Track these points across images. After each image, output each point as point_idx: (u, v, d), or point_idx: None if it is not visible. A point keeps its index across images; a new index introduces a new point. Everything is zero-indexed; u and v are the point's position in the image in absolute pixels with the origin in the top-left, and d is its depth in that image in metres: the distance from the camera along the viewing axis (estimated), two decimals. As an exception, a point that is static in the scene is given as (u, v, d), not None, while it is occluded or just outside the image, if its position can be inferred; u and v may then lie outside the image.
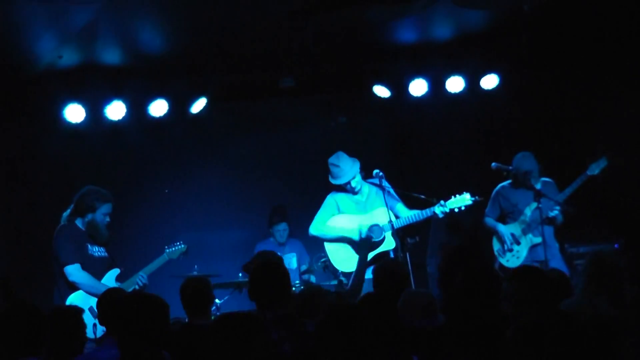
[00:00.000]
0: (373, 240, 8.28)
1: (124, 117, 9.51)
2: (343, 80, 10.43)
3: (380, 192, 8.29)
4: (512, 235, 8.63)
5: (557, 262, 8.41)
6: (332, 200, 8.56)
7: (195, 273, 8.69)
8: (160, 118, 9.72)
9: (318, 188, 9.78)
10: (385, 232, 8.24)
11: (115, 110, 9.44)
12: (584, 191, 8.70)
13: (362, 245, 8.27)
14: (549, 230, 8.57)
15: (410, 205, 8.47)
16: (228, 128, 10.76)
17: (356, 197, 8.50)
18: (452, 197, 8.31)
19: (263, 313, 5.04)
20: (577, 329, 3.62)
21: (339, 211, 8.51)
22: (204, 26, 8.53)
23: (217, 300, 8.32)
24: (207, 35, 8.80)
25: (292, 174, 10.85)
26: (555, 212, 8.43)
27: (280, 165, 10.90)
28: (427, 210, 8.27)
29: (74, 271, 7.57)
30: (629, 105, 10.04)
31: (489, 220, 8.83)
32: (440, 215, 8.22)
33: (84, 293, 7.56)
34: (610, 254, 5.65)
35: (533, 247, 8.55)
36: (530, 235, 8.56)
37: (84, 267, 7.62)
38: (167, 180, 10.59)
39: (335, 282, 8.87)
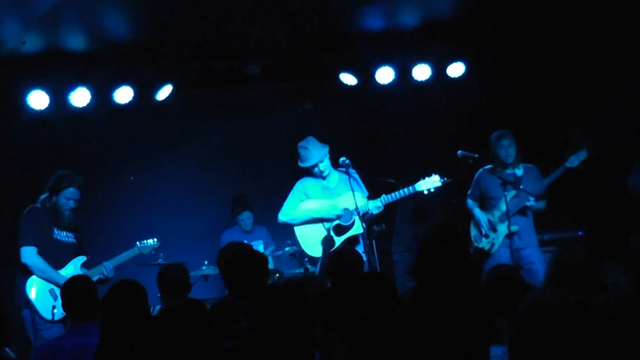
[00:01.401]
0: (342, 223, 8.29)
1: (88, 104, 9.38)
2: (310, 68, 10.38)
3: (347, 179, 8.29)
4: (489, 221, 8.64)
5: (532, 251, 8.44)
6: (301, 186, 8.57)
7: (160, 261, 8.68)
8: (125, 105, 9.60)
9: (285, 175, 9.81)
10: (354, 216, 8.24)
11: (80, 97, 9.32)
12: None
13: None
14: (526, 219, 8.60)
15: (378, 190, 8.48)
16: (194, 115, 10.71)
17: (324, 183, 8.50)
18: (421, 179, 8.33)
19: (234, 301, 5.04)
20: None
21: (307, 197, 8.51)
22: (170, 12, 8.44)
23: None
24: (173, 22, 8.72)
25: (258, 161, 10.87)
26: (530, 203, 8.42)
27: (246, 152, 10.90)
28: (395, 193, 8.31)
29: (27, 253, 7.50)
30: (596, 94, 10.11)
31: (470, 203, 8.86)
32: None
33: None
34: (576, 248, 5.67)
35: (509, 235, 8.49)
36: (507, 223, 8.48)
37: (47, 251, 7.56)
38: (132, 168, 10.53)
39: (301, 270, 8.88)
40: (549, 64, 10.25)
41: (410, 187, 8.30)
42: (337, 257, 6.25)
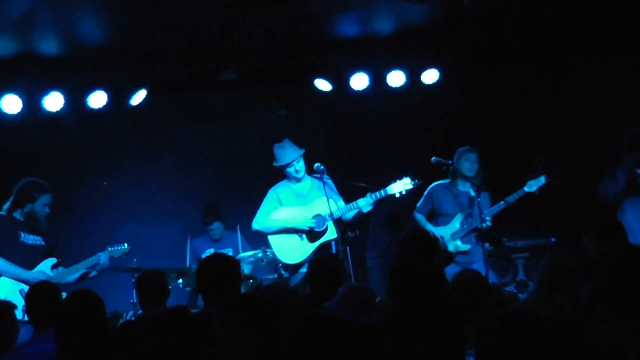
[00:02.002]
0: (315, 230, 8.30)
1: (62, 109, 9.33)
2: (284, 73, 10.38)
3: (322, 185, 8.31)
4: (442, 238, 8.64)
5: (479, 265, 8.42)
6: (274, 194, 8.56)
7: (133, 266, 8.64)
8: (99, 110, 9.56)
9: (259, 180, 9.79)
10: (327, 222, 8.25)
11: (53, 102, 9.26)
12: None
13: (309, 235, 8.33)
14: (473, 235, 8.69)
15: (351, 196, 8.51)
16: (168, 120, 10.68)
17: (297, 189, 8.51)
18: (392, 182, 8.37)
19: (209, 307, 5.03)
20: (536, 327, 3.65)
21: (281, 204, 8.50)
22: (144, 17, 8.44)
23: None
24: (148, 27, 8.71)
25: (232, 166, 10.84)
26: (486, 224, 8.44)
27: (220, 157, 10.87)
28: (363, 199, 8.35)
29: None
30: (570, 102, 10.21)
31: (420, 217, 8.86)
32: (372, 199, 8.29)
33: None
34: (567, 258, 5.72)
35: (459, 253, 8.62)
36: (458, 242, 8.61)
37: (13, 255, 7.54)
38: (106, 173, 10.48)
39: (275, 276, 8.88)
40: (522, 72, 10.33)
41: (382, 191, 8.34)
42: (318, 264, 6.26)
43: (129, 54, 9.34)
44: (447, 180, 8.80)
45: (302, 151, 8.44)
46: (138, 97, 9.76)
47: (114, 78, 9.56)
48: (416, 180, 8.42)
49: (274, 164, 8.50)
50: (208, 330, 4.75)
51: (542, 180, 8.70)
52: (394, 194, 8.38)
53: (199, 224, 10.09)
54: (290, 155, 8.41)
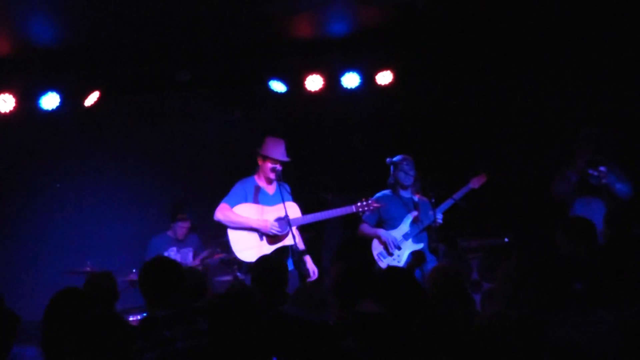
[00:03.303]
0: (277, 233, 8.28)
1: (13, 110, 9.27)
2: (239, 75, 10.40)
3: (283, 189, 8.35)
4: (394, 240, 8.76)
5: (432, 266, 8.60)
6: (241, 187, 8.46)
7: (87, 269, 8.62)
8: (52, 111, 9.50)
9: (215, 180, 9.80)
10: (289, 226, 8.20)
11: (5, 104, 9.20)
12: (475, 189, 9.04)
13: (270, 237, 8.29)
14: (426, 236, 8.84)
15: (308, 202, 8.56)
16: (123, 121, 10.64)
17: (264, 189, 8.47)
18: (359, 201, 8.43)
19: (154, 311, 5.00)
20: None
21: (246, 200, 8.41)
22: (98, 18, 8.37)
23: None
24: (101, 27, 8.65)
25: (187, 167, 10.84)
26: (439, 221, 8.60)
27: (175, 158, 10.87)
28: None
29: None
30: (521, 103, 10.34)
31: (367, 227, 8.91)
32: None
33: None
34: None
35: (413, 253, 8.76)
36: (411, 241, 8.77)
37: None
38: (60, 175, 10.43)
39: (228, 278, 8.88)
40: (473, 73, 10.46)
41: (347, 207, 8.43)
42: (262, 266, 6.28)
43: (82, 55, 9.29)
44: (389, 190, 8.93)
45: (287, 159, 8.40)
46: (91, 99, 9.71)
47: (67, 79, 9.50)
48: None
49: (258, 149, 8.40)
50: (153, 336, 4.75)
51: (482, 178, 9.03)
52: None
53: (156, 224, 10.03)
54: (279, 153, 8.37)
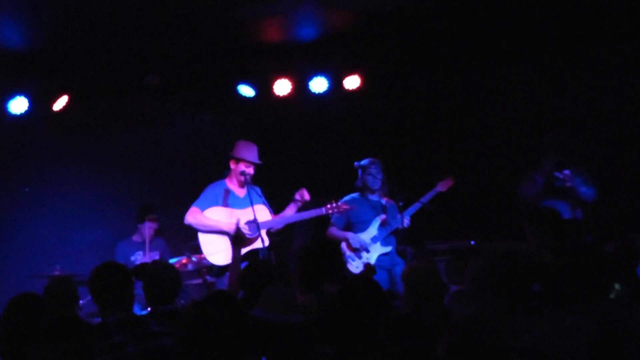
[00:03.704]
0: (247, 236, 8.30)
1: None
2: (208, 79, 10.40)
3: (254, 192, 8.38)
4: (362, 243, 8.88)
5: (400, 268, 8.68)
6: (212, 191, 8.51)
7: (57, 272, 8.60)
8: (20, 115, 9.47)
9: (184, 185, 9.81)
10: (260, 229, 8.22)
11: (-27, 108, 9.19)
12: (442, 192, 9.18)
13: (237, 240, 8.28)
14: (396, 239, 8.99)
15: (279, 203, 8.60)
16: (92, 126, 10.60)
17: (235, 192, 8.51)
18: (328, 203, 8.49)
19: (105, 316, 4.99)
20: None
21: (217, 203, 8.45)
22: (66, 21, 8.36)
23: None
24: (70, 31, 8.64)
25: (157, 171, 10.81)
26: (406, 224, 8.75)
27: (145, 162, 10.82)
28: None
29: None
30: (488, 107, 10.45)
31: (336, 230, 9.00)
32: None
33: None
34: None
35: (381, 255, 8.90)
36: (379, 244, 8.90)
37: None
38: (29, 179, 10.39)
39: (199, 282, 8.89)
40: (441, 77, 10.56)
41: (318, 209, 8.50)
42: (250, 269, 6.32)
43: (51, 59, 9.28)
44: (357, 193, 9.04)
45: (260, 162, 8.47)
46: (60, 103, 9.69)
47: (35, 83, 9.47)
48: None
49: (231, 152, 8.48)
50: (104, 341, 4.78)
51: (449, 181, 9.24)
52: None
53: (125, 228, 10.02)
54: (252, 156, 8.45)
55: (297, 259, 5.88)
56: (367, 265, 8.56)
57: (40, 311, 4.86)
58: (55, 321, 4.24)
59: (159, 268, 6.01)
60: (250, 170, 8.44)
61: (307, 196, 8.43)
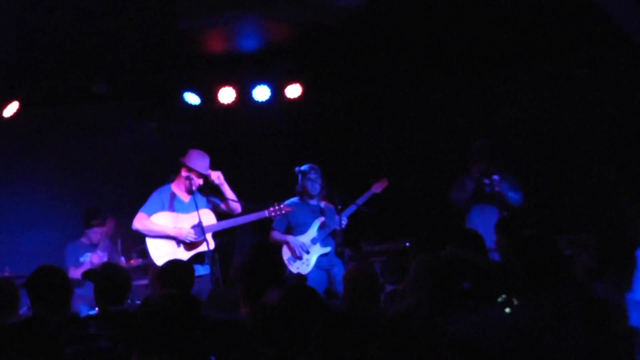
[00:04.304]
0: (193, 240, 8.42)
1: None
2: (155, 87, 10.51)
3: (199, 198, 8.52)
4: (302, 245, 9.13)
5: (339, 269, 9.06)
6: (158, 196, 8.56)
7: (6, 274, 8.70)
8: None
9: (130, 191, 9.93)
10: (205, 232, 8.35)
11: None
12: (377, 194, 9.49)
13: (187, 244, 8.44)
14: (334, 241, 9.26)
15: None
16: (41, 132, 10.62)
17: (180, 197, 8.58)
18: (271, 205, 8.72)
19: (47, 316, 5.01)
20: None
21: (163, 208, 8.52)
22: (15, 29, 8.38)
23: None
24: (18, 39, 8.65)
25: (104, 178, 10.85)
26: (345, 224, 9.00)
27: (92, 169, 10.87)
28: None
29: None
30: (423, 115, 10.80)
31: (277, 234, 9.22)
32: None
33: None
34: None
35: (320, 256, 9.19)
36: (319, 245, 9.18)
37: None
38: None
39: (145, 282, 9.04)
40: (377, 85, 10.90)
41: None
42: (168, 269, 6.46)
43: (1, 66, 9.24)
44: (297, 197, 9.28)
45: (208, 174, 8.57)
46: (10, 109, 9.73)
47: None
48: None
49: (182, 159, 8.51)
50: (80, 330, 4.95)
51: (384, 182, 9.51)
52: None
53: (73, 231, 10.06)
54: (203, 166, 8.52)
55: (239, 277, 6.04)
56: (299, 276, 8.78)
57: None
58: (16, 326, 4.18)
59: (109, 269, 5.96)
60: (200, 181, 8.52)
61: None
